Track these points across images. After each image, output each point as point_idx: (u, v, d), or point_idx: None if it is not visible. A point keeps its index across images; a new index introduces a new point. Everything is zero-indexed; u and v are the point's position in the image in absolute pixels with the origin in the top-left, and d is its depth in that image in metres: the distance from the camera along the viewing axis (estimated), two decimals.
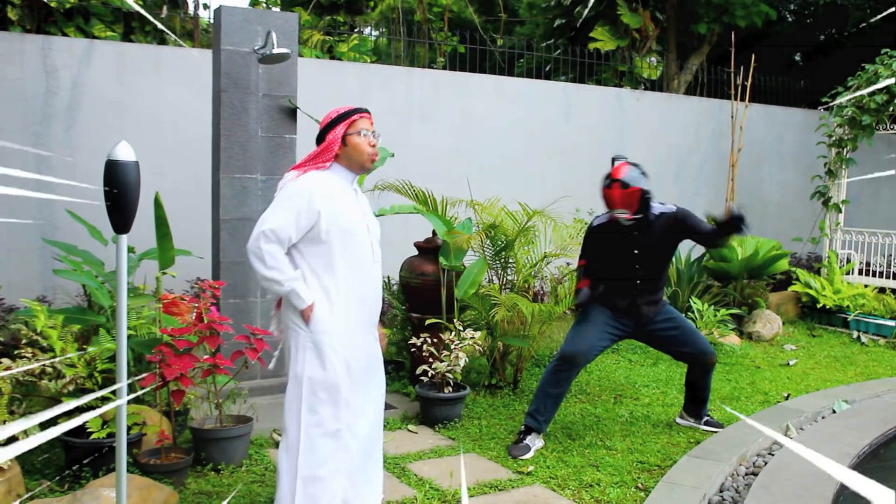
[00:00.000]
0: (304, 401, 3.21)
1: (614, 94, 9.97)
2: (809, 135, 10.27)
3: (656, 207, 4.66)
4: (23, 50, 6.60)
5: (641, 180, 4.49)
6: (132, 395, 4.01)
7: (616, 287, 4.78)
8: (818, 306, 8.64)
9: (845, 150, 9.19)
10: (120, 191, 2.55)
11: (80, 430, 3.93)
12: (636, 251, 4.67)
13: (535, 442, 4.64)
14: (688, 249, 8.83)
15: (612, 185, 4.47)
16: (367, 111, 3.36)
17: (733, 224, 4.51)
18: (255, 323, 5.58)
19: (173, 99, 7.15)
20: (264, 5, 12.82)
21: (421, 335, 5.37)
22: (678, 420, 5.21)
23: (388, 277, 6.32)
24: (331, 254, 3.16)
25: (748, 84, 9.78)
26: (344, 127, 3.27)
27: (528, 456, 4.50)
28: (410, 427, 5.00)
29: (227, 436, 4.18)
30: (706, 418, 5.16)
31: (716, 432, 4.97)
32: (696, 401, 5.12)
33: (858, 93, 8.49)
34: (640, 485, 4.10)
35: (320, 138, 3.31)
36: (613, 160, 9.57)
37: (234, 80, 5.49)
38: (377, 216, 6.51)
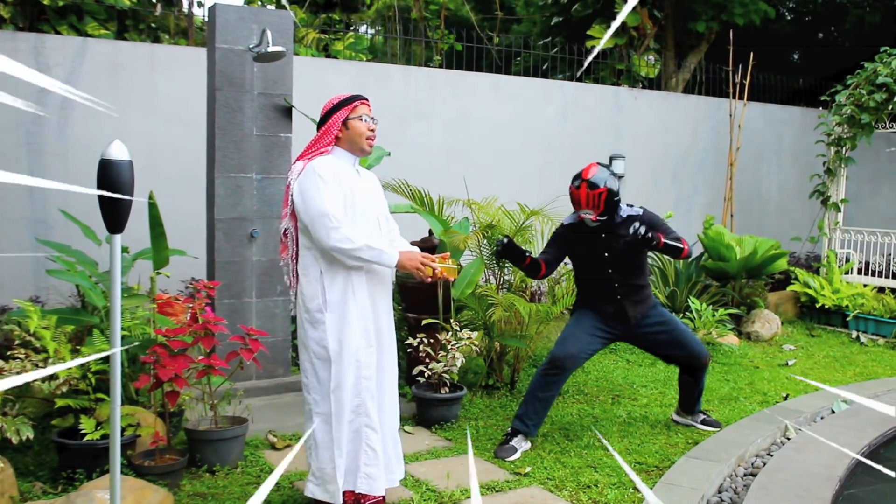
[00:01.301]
0: (332, 377, 3.43)
1: (612, 93, 9.97)
2: (808, 133, 10.29)
3: (624, 210, 4.67)
4: (15, 48, 6.59)
5: (610, 182, 4.49)
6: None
7: (598, 291, 4.79)
8: (817, 306, 8.65)
9: (844, 148, 9.21)
10: (113, 190, 2.54)
11: (74, 432, 3.92)
12: (606, 254, 4.66)
13: (522, 444, 4.63)
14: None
15: (580, 185, 4.49)
16: (366, 99, 3.62)
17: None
18: (250, 323, 5.58)
19: (168, 97, 7.14)
20: (259, 3, 12.80)
21: (417, 335, 5.37)
22: (674, 417, 5.23)
23: None
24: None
25: (746, 82, 9.79)
26: (346, 111, 3.54)
27: (514, 457, 4.50)
28: (407, 428, 5.00)
29: (222, 437, 4.17)
30: (703, 416, 5.17)
31: (714, 431, 4.98)
32: (689, 397, 5.13)
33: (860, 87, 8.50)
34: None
35: (321, 124, 3.55)
36: (611, 159, 9.60)
37: (229, 78, 5.48)
38: None
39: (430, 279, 3.61)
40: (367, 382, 3.49)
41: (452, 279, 3.95)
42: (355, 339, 3.45)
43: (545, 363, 4.72)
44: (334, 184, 3.41)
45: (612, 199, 4.50)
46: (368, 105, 3.62)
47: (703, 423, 5.12)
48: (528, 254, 4.70)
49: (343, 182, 3.44)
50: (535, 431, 4.70)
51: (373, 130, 3.58)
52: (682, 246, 4.57)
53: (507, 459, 4.46)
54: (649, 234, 4.36)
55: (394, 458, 3.70)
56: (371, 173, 3.77)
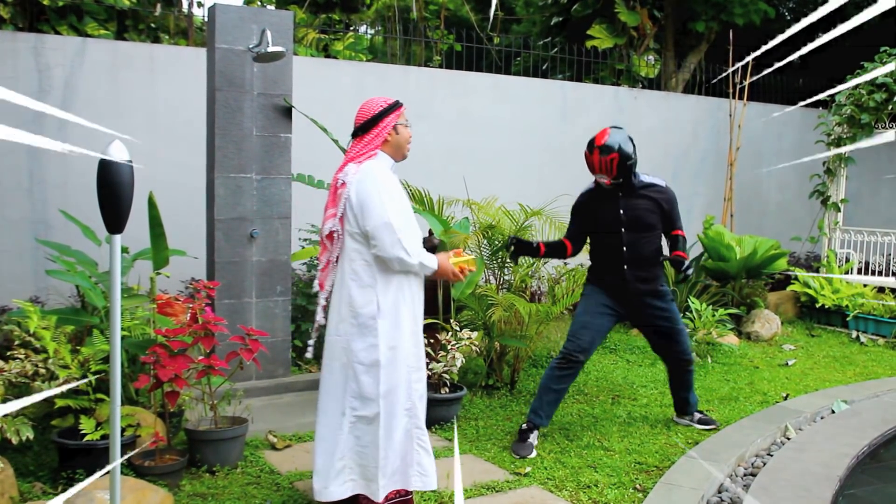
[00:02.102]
0: (382, 382, 3.45)
1: (612, 93, 9.98)
2: (808, 133, 10.29)
3: (644, 177, 4.75)
4: (15, 48, 6.59)
5: (624, 146, 4.56)
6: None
7: (607, 258, 4.81)
8: (817, 306, 8.65)
9: (844, 148, 9.20)
10: (113, 190, 2.55)
11: (74, 432, 3.92)
12: (621, 212, 4.70)
13: (535, 440, 4.69)
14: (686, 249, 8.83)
15: (593, 151, 4.58)
16: (403, 105, 3.72)
17: (675, 264, 4.79)
18: (250, 323, 5.58)
19: (167, 98, 7.15)
20: (259, 3, 12.81)
21: None
22: (674, 418, 5.25)
23: None
24: None
25: (746, 82, 9.80)
26: (395, 116, 3.60)
27: (532, 455, 4.53)
28: None
29: (222, 437, 4.17)
30: (699, 415, 5.17)
31: (711, 430, 5.01)
32: (679, 398, 5.16)
33: (853, 82, 8.51)
34: (638, 486, 4.11)
35: (364, 128, 3.55)
36: None
37: (229, 78, 5.49)
38: None
39: (460, 279, 3.69)
40: (417, 385, 3.57)
41: (474, 268, 4.02)
42: (407, 345, 3.50)
43: (558, 358, 4.79)
44: (396, 193, 3.47)
45: (625, 163, 4.56)
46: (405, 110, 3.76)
47: (700, 422, 5.14)
48: (537, 243, 4.83)
49: (399, 189, 3.53)
50: (547, 422, 4.80)
51: (411, 136, 3.72)
52: (685, 242, 4.92)
53: (529, 457, 4.49)
54: (689, 272, 4.73)
55: None
56: None
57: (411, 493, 3.63)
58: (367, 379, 3.45)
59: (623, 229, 4.71)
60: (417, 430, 3.59)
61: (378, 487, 3.46)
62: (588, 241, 4.99)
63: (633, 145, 4.63)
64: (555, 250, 4.94)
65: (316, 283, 3.67)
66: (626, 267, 4.75)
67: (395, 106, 3.63)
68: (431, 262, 3.51)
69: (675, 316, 4.92)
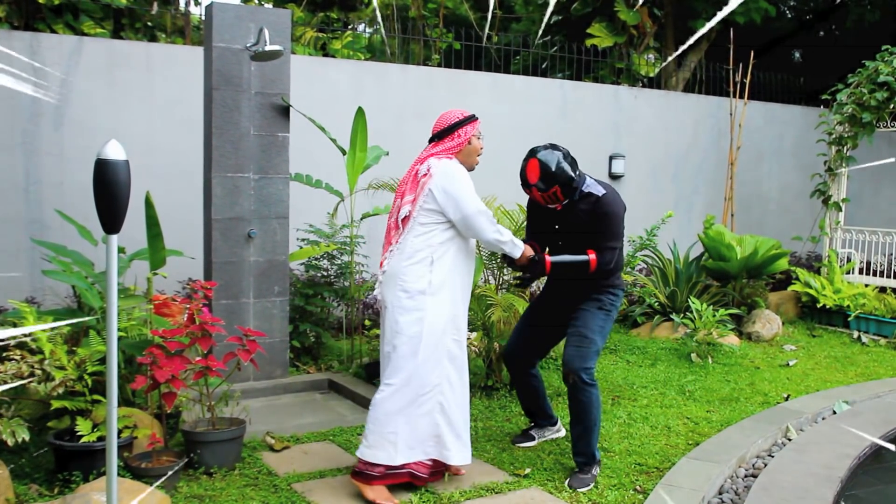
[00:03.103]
0: (419, 353, 3.83)
1: (611, 92, 9.97)
2: (809, 132, 10.29)
3: (588, 185, 4.22)
4: (11, 47, 6.58)
5: (559, 169, 4.08)
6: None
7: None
8: (818, 306, 8.65)
9: (845, 147, 9.21)
10: (110, 190, 2.54)
11: (70, 434, 3.92)
12: (556, 226, 4.33)
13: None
14: (686, 248, 8.84)
15: (531, 189, 4.16)
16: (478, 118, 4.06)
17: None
18: (248, 324, 5.58)
19: (164, 97, 7.14)
20: (256, 2, 12.80)
21: None
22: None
23: None
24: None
25: (747, 81, 9.80)
26: (473, 128, 4.00)
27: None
28: None
29: (220, 438, 4.17)
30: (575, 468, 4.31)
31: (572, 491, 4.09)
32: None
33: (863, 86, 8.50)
34: (638, 487, 4.11)
35: (444, 133, 3.96)
36: (611, 159, 9.61)
37: (226, 77, 5.48)
38: (371, 215, 6.53)
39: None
40: (449, 364, 3.90)
41: None
42: (446, 323, 3.86)
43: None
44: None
45: (569, 186, 4.13)
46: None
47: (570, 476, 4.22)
48: (535, 258, 4.21)
49: None
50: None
51: (482, 149, 4.08)
52: (586, 259, 4.20)
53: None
54: (527, 277, 4.32)
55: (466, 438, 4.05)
56: None
57: (441, 465, 4.02)
58: (405, 349, 3.80)
59: (560, 243, 4.34)
60: (440, 405, 3.89)
61: (395, 453, 3.80)
62: None
63: (570, 158, 4.14)
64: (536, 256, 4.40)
65: (386, 264, 3.94)
66: (553, 281, 4.51)
67: (473, 118, 4.01)
68: (517, 248, 4.04)
69: (588, 323, 4.29)
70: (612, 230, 4.21)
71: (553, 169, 4.08)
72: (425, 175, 3.86)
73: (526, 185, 4.19)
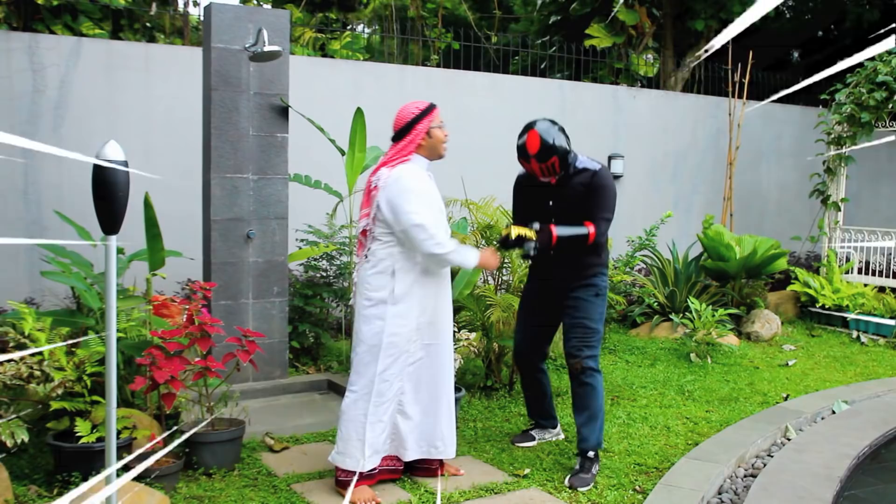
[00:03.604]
0: (380, 362, 3.83)
1: (610, 92, 9.98)
2: (808, 132, 10.29)
3: (581, 161, 4.34)
4: (9, 48, 6.58)
5: (559, 140, 4.20)
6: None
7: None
8: (817, 306, 8.66)
9: (844, 147, 9.21)
10: (109, 191, 2.54)
11: (69, 435, 3.92)
12: (550, 203, 4.37)
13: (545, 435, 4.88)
14: (685, 248, 8.84)
15: (530, 160, 4.23)
16: (437, 106, 3.99)
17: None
18: (247, 324, 5.58)
19: (163, 97, 7.14)
20: (255, 2, 12.80)
21: None
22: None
23: None
24: None
25: (746, 81, 9.80)
26: (429, 121, 3.90)
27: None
28: None
29: (219, 439, 4.17)
30: (576, 465, 4.29)
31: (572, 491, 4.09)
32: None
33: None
34: (637, 487, 4.11)
35: (402, 133, 3.88)
36: (609, 159, 9.60)
37: (225, 78, 5.48)
38: None
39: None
40: (409, 369, 3.91)
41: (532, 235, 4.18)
42: (410, 332, 3.85)
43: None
44: (425, 194, 3.81)
45: (566, 158, 4.25)
46: (439, 111, 4.00)
47: (571, 474, 4.20)
48: (542, 227, 4.21)
49: (429, 188, 3.88)
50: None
51: (447, 136, 3.97)
52: (585, 232, 4.24)
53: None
54: (536, 249, 4.15)
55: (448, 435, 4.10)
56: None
57: (401, 463, 4.06)
58: (366, 357, 3.82)
59: (553, 220, 4.32)
60: (401, 407, 3.94)
61: (361, 458, 3.82)
62: None
63: (564, 133, 4.28)
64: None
65: (355, 274, 4.03)
66: (553, 263, 4.45)
67: (428, 111, 3.91)
68: (469, 256, 3.90)
69: (587, 307, 4.37)
70: (608, 203, 4.31)
71: (551, 141, 4.21)
72: (375, 188, 3.86)
73: (525, 156, 4.27)
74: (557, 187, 4.36)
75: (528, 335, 4.69)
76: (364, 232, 3.93)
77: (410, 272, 3.82)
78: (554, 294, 4.50)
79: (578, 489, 4.05)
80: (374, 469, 3.93)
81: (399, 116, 3.92)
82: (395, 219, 3.76)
